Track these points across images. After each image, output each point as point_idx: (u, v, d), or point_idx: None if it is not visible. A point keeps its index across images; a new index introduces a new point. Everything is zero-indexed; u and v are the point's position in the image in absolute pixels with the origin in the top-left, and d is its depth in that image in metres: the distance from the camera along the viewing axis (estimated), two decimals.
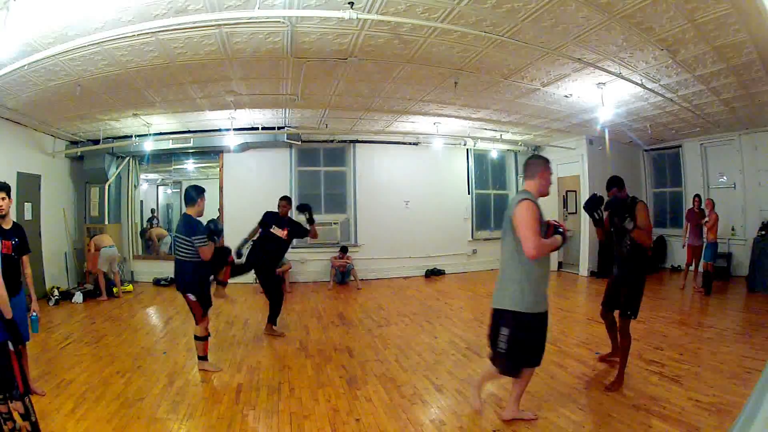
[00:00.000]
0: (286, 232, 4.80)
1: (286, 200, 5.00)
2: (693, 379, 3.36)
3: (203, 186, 3.81)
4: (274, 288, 4.98)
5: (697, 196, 7.07)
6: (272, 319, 4.91)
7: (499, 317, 2.60)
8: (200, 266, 3.62)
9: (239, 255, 4.64)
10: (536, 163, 2.68)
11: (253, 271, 4.93)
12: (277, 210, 4.92)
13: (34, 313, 3.12)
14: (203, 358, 3.83)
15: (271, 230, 4.77)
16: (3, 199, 2.99)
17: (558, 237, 2.57)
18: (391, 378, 3.60)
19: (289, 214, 5.04)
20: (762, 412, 0.91)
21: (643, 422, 2.72)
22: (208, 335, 3.84)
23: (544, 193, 2.66)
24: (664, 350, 4.06)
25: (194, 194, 3.62)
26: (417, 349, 4.33)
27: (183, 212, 3.75)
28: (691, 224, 6.89)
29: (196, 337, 3.79)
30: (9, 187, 3.05)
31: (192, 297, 3.66)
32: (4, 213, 2.99)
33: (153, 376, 3.66)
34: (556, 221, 2.69)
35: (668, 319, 5.20)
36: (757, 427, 0.89)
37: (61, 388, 3.31)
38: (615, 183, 3.56)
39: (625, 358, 3.36)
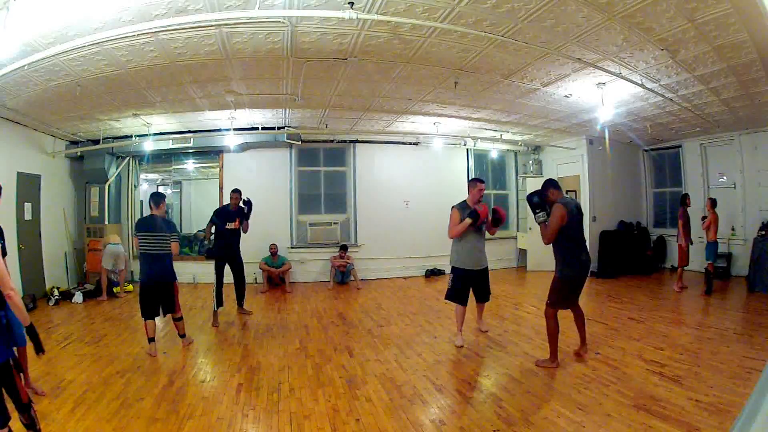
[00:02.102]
0: (237, 222, 5.48)
1: (237, 192, 5.61)
2: (693, 379, 3.36)
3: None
4: (242, 272, 5.67)
5: (686, 195, 7.04)
6: (241, 302, 5.77)
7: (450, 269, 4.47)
8: None
9: (210, 251, 5.55)
10: (469, 183, 4.50)
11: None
12: (228, 203, 5.64)
13: None
14: (184, 335, 4.52)
15: (226, 226, 5.43)
16: None
17: (466, 219, 4.18)
18: (391, 378, 3.60)
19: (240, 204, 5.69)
20: (762, 412, 0.91)
21: (643, 422, 2.72)
22: None
23: (474, 201, 4.31)
24: (664, 350, 4.06)
25: (159, 199, 4.37)
26: (417, 349, 4.33)
27: (151, 214, 4.35)
28: (680, 224, 6.87)
29: (180, 318, 4.46)
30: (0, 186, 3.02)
31: (176, 283, 4.45)
32: None
33: (153, 376, 3.66)
34: (477, 207, 4.20)
35: (668, 319, 5.20)
36: (757, 427, 0.89)
37: (61, 388, 3.32)
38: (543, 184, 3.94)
39: (551, 341, 3.77)
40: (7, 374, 2.08)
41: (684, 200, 6.87)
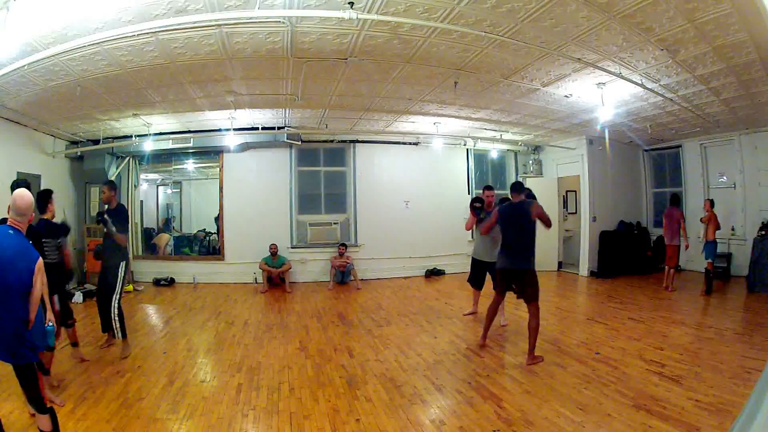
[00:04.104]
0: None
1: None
2: (693, 379, 3.36)
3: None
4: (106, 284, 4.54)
5: (675, 195, 7.10)
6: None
7: None
8: None
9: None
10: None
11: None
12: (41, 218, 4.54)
13: (50, 324, 2.76)
14: (77, 344, 3.97)
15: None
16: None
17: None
18: (391, 378, 3.60)
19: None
20: (762, 412, 0.91)
21: (643, 422, 2.72)
22: None
23: (487, 204, 5.13)
24: (664, 350, 4.06)
25: (46, 200, 3.63)
26: (417, 349, 4.33)
27: (41, 218, 3.55)
28: (666, 223, 6.90)
29: (71, 325, 3.85)
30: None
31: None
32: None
33: (153, 376, 3.66)
34: (480, 226, 4.88)
35: (668, 319, 5.20)
36: (757, 427, 0.89)
37: (61, 388, 3.32)
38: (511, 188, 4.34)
39: (486, 319, 4.32)
40: (31, 375, 2.15)
41: (675, 200, 6.98)
